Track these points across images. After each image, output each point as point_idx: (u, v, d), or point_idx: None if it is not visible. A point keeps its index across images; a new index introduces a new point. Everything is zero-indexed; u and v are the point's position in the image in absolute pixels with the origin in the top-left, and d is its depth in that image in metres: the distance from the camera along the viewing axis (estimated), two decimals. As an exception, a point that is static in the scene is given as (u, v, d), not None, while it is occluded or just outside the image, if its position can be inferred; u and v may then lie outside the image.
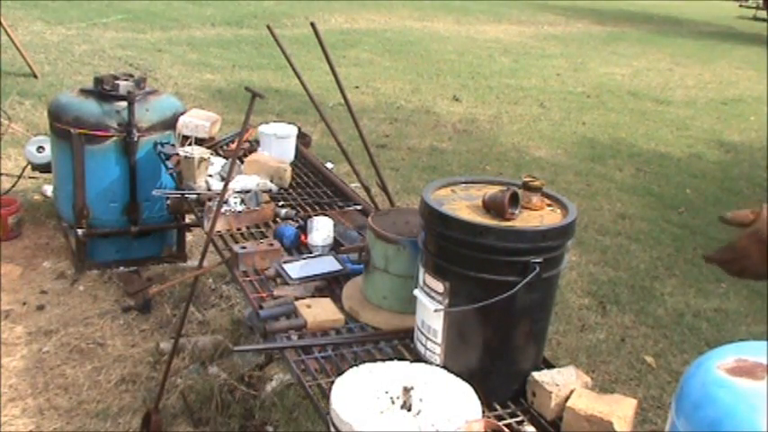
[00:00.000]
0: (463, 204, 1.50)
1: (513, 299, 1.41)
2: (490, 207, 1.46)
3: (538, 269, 1.37)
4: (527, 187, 1.51)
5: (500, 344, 1.47)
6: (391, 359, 1.46)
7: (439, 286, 1.45)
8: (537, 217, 1.47)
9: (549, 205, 1.53)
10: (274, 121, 3.21)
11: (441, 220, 1.43)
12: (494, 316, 1.43)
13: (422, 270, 1.51)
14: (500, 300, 1.42)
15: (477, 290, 1.41)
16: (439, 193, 1.56)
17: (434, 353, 1.51)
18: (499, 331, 1.46)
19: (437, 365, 1.48)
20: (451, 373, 1.41)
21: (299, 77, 2.55)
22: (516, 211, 1.45)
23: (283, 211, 2.43)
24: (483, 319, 1.43)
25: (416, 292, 1.52)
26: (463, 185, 1.61)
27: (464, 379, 1.39)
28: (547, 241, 1.40)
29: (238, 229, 2.34)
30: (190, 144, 2.88)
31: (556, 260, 1.44)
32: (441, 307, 1.45)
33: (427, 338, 1.52)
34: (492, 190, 1.49)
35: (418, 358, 1.55)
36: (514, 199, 1.45)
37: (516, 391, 1.51)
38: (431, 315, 1.49)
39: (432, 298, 1.47)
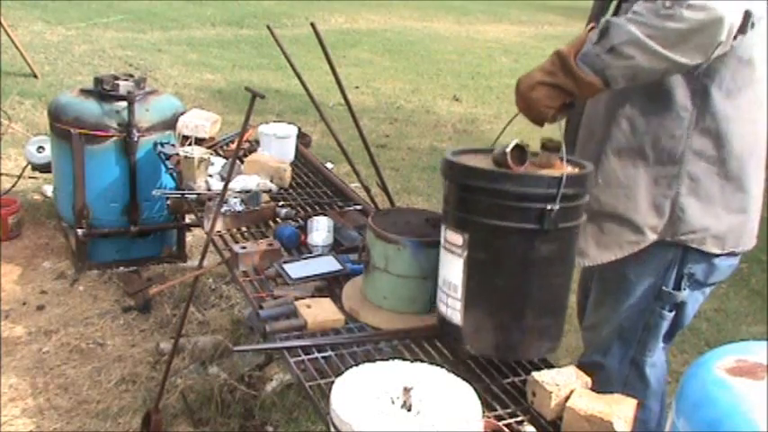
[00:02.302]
0: (482, 162, 1.55)
1: (530, 247, 1.45)
2: (500, 164, 1.49)
3: (553, 215, 1.40)
4: (545, 147, 1.53)
5: (519, 295, 1.50)
6: (391, 359, 1.46)
7: (458, 239, 1.50)
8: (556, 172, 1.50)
9: (570, 167, 1.55)
10: (274, 121, 3.21)
11: (462, 170, 1.49)
12: (511, 265, 1.47)
13: (443, 228, 1.56)
14: (517, 248, 1.46)
15: (494, 239, 1.45)
16: (460, 156, 1.61)
17: (455, 309, 1.54)
18: (517, 281, 1.49)
19: (458, 324, 1.53)
20: (472, 329, 1.45)
21: (299, 77, 2.55)
22: (523, 168, 1.48)
23: (283, 211, 2.43)
24: (500, 269, 1.47)
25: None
26: (483, 155, 1.63)
27: (485, 334, 1.41)
28: (564, 188, 1.41)
29: (238, 229, 2.34)
30: (190, 144, 2.88)
31: (573, 211, 1.46)
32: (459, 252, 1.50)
33: (448, 296, 1.55)
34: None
35: (418, 358, 1.55)
36: (520, 155, 1.47)
37: (538, 346, 1.54)
38: (451, 271, 1.53)
39: (452, 252, 1.52)
